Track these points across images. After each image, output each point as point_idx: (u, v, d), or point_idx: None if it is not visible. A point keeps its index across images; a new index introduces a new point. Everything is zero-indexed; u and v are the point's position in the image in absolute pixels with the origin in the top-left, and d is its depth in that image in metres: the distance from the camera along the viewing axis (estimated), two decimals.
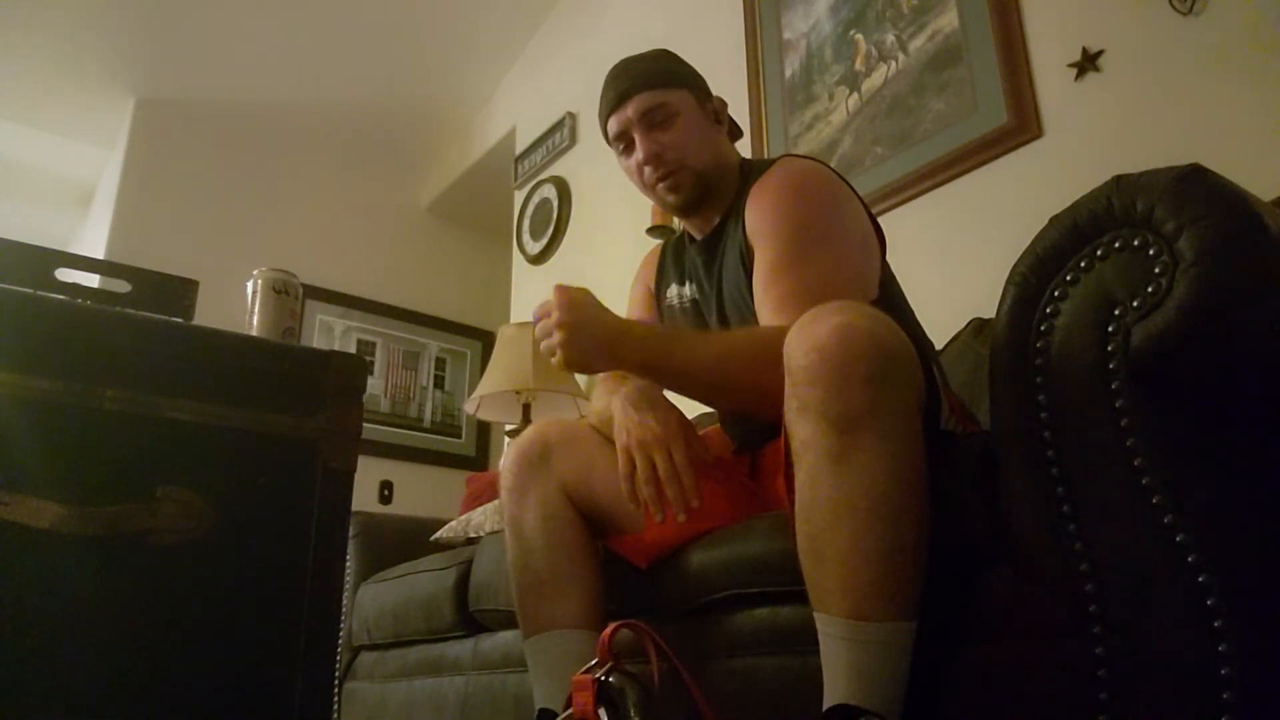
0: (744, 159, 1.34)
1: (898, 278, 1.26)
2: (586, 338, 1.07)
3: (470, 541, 2.18)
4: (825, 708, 0.81)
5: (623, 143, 1.29)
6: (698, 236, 1.34)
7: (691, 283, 1.36)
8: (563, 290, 1.10)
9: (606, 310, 1.11)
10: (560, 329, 1.07)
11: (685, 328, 1.33)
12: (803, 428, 0.86)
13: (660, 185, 1.28)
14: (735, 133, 1.38)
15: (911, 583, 0.82)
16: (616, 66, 1.31)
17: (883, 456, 0.82)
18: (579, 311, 1.08)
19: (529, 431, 1.27)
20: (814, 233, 1.13)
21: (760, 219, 1.18)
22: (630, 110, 1.26)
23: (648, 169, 1.27)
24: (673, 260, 1.42)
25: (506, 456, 1.27)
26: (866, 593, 0.81)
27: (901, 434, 0.83)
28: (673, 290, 1.40)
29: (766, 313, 1.11)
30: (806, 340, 0.85)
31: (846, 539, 0.82)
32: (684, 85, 1.29)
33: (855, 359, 0.82)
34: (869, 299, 1.11)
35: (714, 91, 1.36)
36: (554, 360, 1.09)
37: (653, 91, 1.25)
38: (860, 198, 1.24)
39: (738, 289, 1.23)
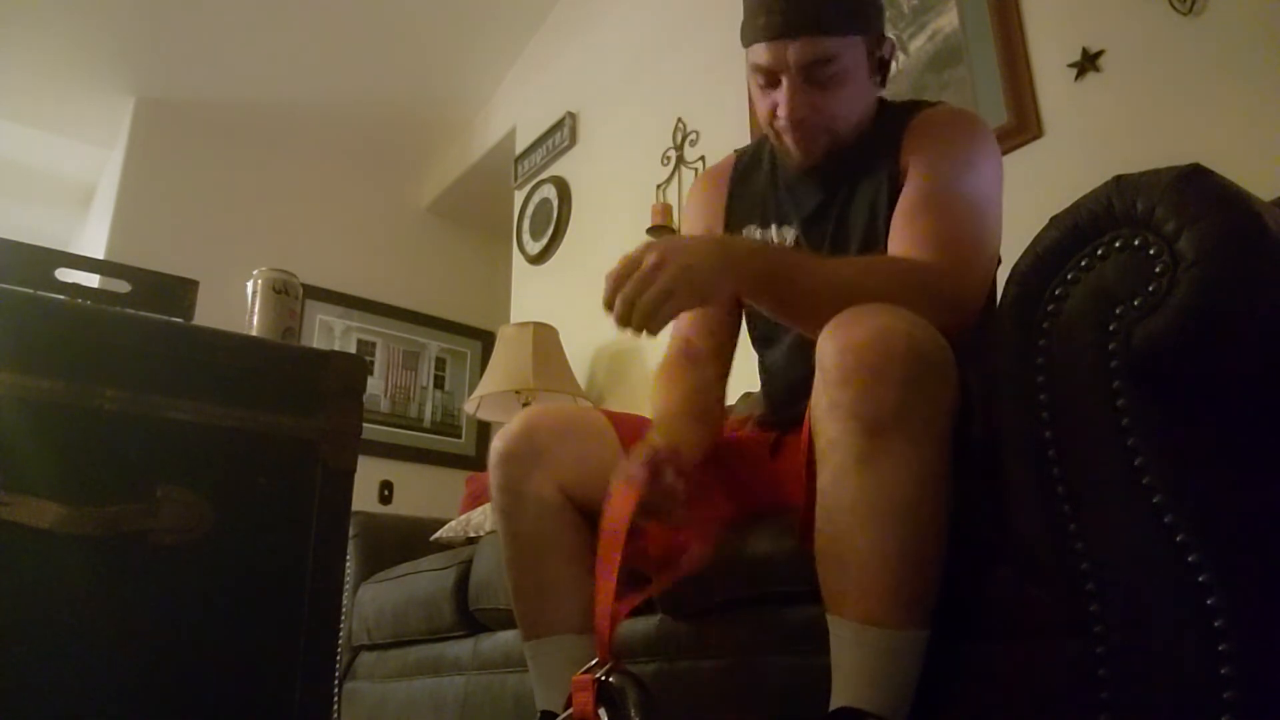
0: (882, 99, 1.21)
1: None
2: (698, 257, 0.91)
3: (470, 541, 2.18)
4: (831, 709, 0.80)
5: (765, 76, 1.13)
6: (807, 177, 1.20)
7: (786, 225, 1.22)
8: (644, 244, 0.95)
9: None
10: (662, 262, 0.89)
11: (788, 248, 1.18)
12: (831, 426, 0.84)
13: (789, 138, 1.14)
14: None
15: (928, 592, 0.81)
16: None
17: (910, 462, 0.80)
18: (674, 241, 0.95)
19: (515, 424, 1.11)
20: (971, 169, 1.08)
21: (924, 144, 1.11)
22: (792, 55, 1.08)
23: (783, 120, 1.12)
24: (751, 199, 1.27)
25: (493, 452, 1.12)
26: (884, 599, 0.80)
27: (930, 440, 0.82)
28: (755, 234, 1.24)
29: (901, 242, 1.05)
30: (842, 340, 0.83)
31: (867, 543, 0.81)
32: (862, 30, 1.11)
33: (891, 361, 0.80)
34: (992, 267, 1.08)
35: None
36: (665, 307, 0.89)
37: (826, 39, 1.07)
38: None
39: (872, 225, 1.13)
